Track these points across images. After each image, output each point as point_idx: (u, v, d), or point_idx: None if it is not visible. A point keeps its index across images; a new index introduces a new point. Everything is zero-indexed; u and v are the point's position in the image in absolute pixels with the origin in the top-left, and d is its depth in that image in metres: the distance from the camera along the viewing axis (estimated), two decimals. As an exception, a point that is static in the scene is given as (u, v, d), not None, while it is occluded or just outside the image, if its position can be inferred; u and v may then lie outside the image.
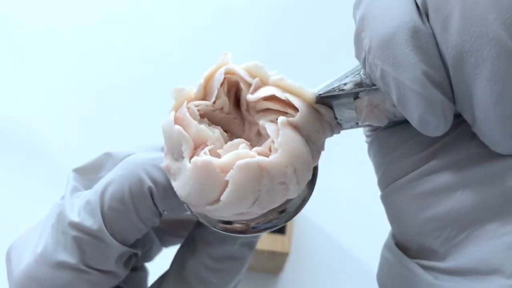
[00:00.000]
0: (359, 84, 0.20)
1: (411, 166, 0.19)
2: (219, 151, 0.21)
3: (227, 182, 0.19)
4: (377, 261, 0.60)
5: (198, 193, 0.20)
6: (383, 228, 0.62)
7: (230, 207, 0.20)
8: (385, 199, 0.21)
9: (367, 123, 0.21)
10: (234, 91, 0.22)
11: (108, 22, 0.69)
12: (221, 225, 0.22)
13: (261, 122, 0.21)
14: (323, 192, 0.59)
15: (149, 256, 0.28)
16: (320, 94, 0.21)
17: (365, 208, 0.59)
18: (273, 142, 0.20)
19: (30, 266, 0.22)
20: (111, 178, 0.22)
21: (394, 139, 0.20)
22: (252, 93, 0.21)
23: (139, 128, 0.60)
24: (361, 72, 0.20)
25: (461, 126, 0.18)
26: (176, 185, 0.21)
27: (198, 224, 0.25)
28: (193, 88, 0.21)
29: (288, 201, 0.21)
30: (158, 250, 0.28)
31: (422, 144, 0.19)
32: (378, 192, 0.64)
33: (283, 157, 0.19)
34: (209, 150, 0.20)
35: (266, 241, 0.47)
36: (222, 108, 0.22)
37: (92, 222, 0.22)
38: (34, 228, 0.24)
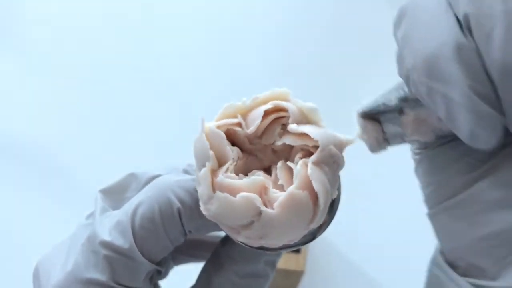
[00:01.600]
0: (404, 99, 0.20)
1: (461, 186, 0.19)
2: (279, 183, 0.21)
3: (314, 194, 0.20)
4: (392, 283, 0.60)
5: (299, 223, 0.20)
6: (399, 250, 0.62)
7: (324, 211, 0.21)
8: (433, 217, 0.21)
9: (414, 138, 0.21)
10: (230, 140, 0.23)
11: (126, 39, 0.70)
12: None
13: (278, 142, 0.22)
14: (340, 212, 0.58)
15: (164, 274, 0.28)
16: (364, 110, 0.22)
17: (381, 229, 0.58)
18: (302, 146, 0.22)
19: (61, 283, 0.23)
20: (141, 199, 0.23)
21: (443, 158, 0.20)
22: (248, 128, 0.22)
23: (156, 145, 0.61)
24: (405, 88, 0.20)
25: (510, 146, 0.18)
26: (269, 240, 0.21)
27: (223, 242, 0.26)
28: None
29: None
30: (171, 268, 0.29)
31: (472, 164, 0.19)
32: (395, 214, 0.63)
33: (323, 143, 0.21)
34: (273, 189, 0.21)
35: (281, 259, 0.47)
36: (238, 158, 0.22)
37: (123, 242, 0.23)
38: (60, 246, 0.25)
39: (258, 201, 0.20)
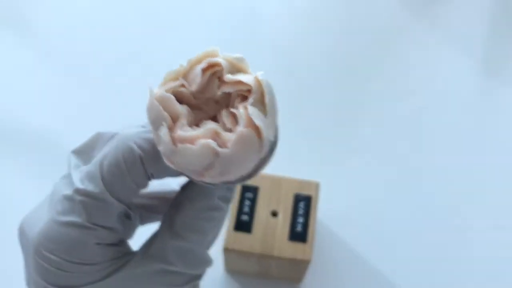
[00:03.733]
0: None
1: None
2: (228, 127, 0.26)
3: (257, 129, 0.24)
4: (399, 274, 0.59)
5: (250, 154, 0.25)
6: (405, 242, 0.62)
7: (267, 140, 0.25)
8: None
9: None
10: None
11: (131, 29, 0.71)
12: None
13: (218, 93, 0.26)
14: (346, 203, 0.59)
15: (129, 234, 0.33)
16: None
17: (389, 221, 0.59)
18: (239, 92, 0.26)
19: (43, 229, 0.27)
20: (107, 151, 0.28)
21: None
22: (191, 86, 0.26)
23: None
24: None
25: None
26: (229, 175, 0.25)
27: (182, 188, 0.30)
28: None
29: None
30: (136, 228, 0.34)
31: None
32: (401, 206, 0.63)
33: (254, 86, 0.25)
34: (224, 132, 0.25)
35: (288, 249, 0.47)
36: (188, 113, 0.26)
37: (94, 187, 0.27)
38: (40, 204, 0.30)
39: (214, 144, 0.24)
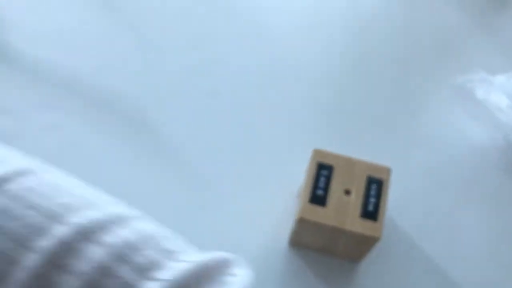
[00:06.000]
0: None
1: None
2: None
3: None
4: (459, 270, 0.60)
5: None
6: (469, 238, 0.63)
7: None
8: None
9: None
10: None
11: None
12: None
13: None
14: (412, 192, 0.61)
15: None
16: None
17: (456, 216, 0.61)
18: None
19: None
20: None
21: None
22: None
23: (236, 112, 0.65)
24: None
25: None
26: None
27: None
28: None
29: None
30: None
31: None
32: (468, 201, 0.64)
33: None
34: None
35: (358, 225, 0.50)
36: None
37: None
38: None
39: None
